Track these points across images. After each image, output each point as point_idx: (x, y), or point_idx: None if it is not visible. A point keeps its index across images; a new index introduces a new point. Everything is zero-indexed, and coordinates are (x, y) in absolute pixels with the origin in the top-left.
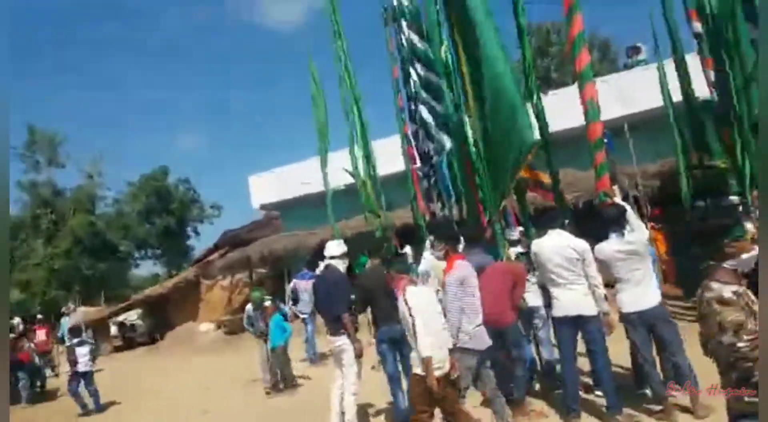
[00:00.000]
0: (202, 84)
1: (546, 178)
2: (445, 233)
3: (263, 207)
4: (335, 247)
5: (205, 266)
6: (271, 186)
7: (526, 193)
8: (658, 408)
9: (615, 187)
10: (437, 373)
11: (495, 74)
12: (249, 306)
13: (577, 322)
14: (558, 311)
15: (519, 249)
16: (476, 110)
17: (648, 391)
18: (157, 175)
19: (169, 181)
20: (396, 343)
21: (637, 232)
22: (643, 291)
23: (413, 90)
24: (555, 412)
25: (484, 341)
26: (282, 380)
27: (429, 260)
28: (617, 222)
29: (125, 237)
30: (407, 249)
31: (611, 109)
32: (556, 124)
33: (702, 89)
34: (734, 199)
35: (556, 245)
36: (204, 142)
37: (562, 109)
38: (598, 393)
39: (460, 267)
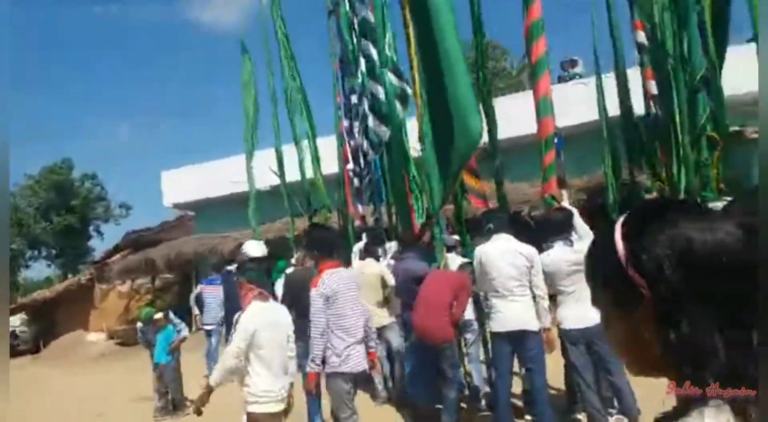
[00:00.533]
0: (126, 76)
1: (485, 187)
2: (313, 240)
3: (177, 206)
4: (255, 247)
5: (102, 269)
6: (186, 183)
7: (462, 198)
8: None
9: (563, 191)
10: (274, 409)
11: (451, 71)
12: (139, 324)
13: (518, 338)
14: (498, 325)
15: (455, 255)
16: (424, 105)
17: (580, 416)
18: (59, 169)
19: (73, 175)
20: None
21: (587, 240)
22: (587, 307)
23: (359, 77)
24: None
25: (360, 363)
26: (171, 402)
27: (355, 267)
28: (564, 229)
29: (18, 235)
30: None
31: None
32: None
33: (639, 105)
34: None
35: (504, 251)
36: (122, 135)
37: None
38: (528, 417)
39: (329, 280)
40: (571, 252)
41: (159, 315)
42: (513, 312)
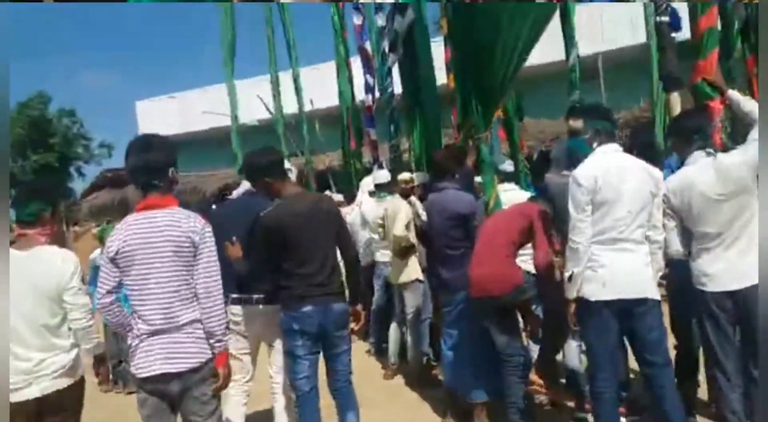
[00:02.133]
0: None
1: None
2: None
3: None
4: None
5: (71, 208)
6: (164, 115)
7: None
8: None
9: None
10: (15, 398)
11: None
12: (97, 253)
13: (632, 311)
14: (602, 289)
15: (515, 187)
16: None
17: None
18: (34, 104)
19: (50, 111)
20: (323, 334)
21: (751, 147)
22: (743, 257)
23: None
24: None
25: (151, 366)
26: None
27: (367, 203)
28: (703, 134)
29: None
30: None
31: (584, 45)
32: None
33: None
34: None
35: (630, 169)
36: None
37: None
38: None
39: (123, 230)
40: (719, 172)
41: None
42: (626, 269)
